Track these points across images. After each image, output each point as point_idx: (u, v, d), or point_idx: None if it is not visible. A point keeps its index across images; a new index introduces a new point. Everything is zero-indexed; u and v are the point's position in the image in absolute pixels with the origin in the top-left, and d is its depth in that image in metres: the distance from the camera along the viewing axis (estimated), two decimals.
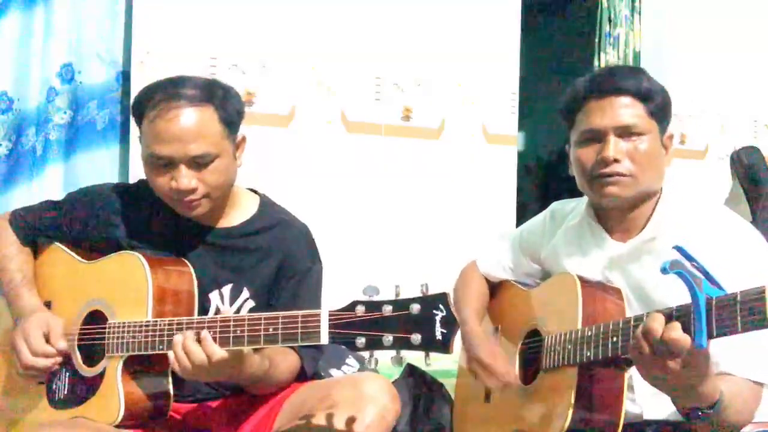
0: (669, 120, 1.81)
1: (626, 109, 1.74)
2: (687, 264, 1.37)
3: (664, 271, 1.36)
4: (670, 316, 1.42)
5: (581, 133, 1.79)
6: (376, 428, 1.75)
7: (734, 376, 1.60)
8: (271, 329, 1.61)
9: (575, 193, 1.95)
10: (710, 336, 1.35)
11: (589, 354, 1.66)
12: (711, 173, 4.76)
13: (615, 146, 1.73)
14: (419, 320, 1.46)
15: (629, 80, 1.76)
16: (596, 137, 1.76)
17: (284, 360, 1.87)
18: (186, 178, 1.79)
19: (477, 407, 2.10)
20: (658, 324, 1.42)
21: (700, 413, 1.49)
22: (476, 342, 1.97)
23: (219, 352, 1.64)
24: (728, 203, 4.48)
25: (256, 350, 1.72)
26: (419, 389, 2.80)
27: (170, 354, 1.68)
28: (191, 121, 1.79)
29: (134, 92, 1.95)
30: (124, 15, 3.38)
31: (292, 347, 1.86)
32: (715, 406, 1.48)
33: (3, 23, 3.24)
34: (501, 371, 1.89)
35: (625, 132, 1.74)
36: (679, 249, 1.40)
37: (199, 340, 1.65)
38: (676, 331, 1.39)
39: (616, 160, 1.73)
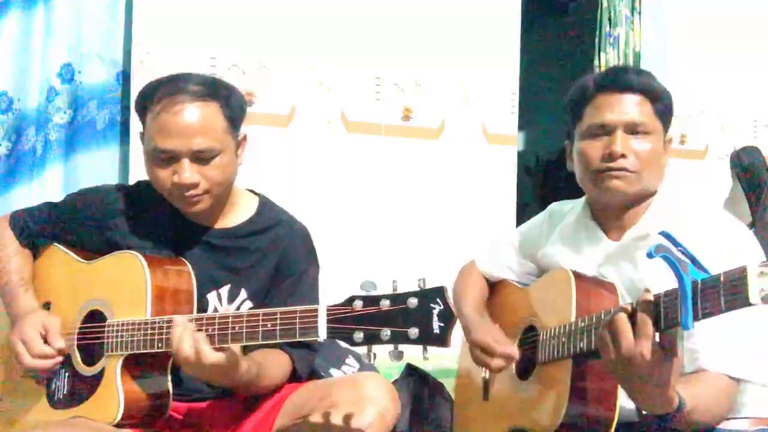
0: (670, 123, 1.83)
1: (636, 107, 1.77)
2: (673, 249, 1.38)
3: (650, 255, 1.38)
4: (657, 304, 1.42)
5: (589, 126, 1.80)
6: (375, 428, 1.75)
7: (706, 374, 1.62)
8: (269, 325, 1.61)
9: (575, 193, 1.96)
10: (696, 318, 1.36)
11: (582, 344, 1.66)
12: (711, 173, 4.75)
13: (623, 141, 1.75)
14: (417, 314, 1.46)
15: (639, 78, 1.78)
16: (605, 131, 1.78)
17: (275, 363, 1.87)
18: (188, 173, 1.80)
19: (476, 406, 2.10)
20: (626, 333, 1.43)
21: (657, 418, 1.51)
22: (474, 326, 1.96)
23: (212, 356, 1.63)
24: (728, 203, 4.49)
25: (243, 354, 1.72)
26: (419, 389, 2.80)
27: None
28: (195, 115, 1.80)
29: (134, 92, 1.95)
30: (124, 15, 3.37)
31: (283, 348, 1.86)
32: (669, 414, 1.48)
33: (3, 23, 3.24)
34: (502, 349, 1.86)
35: (633, 129, 1.76)
36: (665, 235, 1.42)
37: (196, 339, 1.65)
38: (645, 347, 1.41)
39: (623, 155, 1.75)
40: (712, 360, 1.63)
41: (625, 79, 1.79)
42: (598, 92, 1.80)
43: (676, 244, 1.40)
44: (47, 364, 1.84)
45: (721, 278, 1.33)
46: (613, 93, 1.78)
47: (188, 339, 1.64)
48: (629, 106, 1.77)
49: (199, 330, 1.67)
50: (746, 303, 1.29)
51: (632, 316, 1.45)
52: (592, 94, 1.81)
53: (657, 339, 1.43)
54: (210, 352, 1.63)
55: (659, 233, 1.43)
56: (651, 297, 1.43)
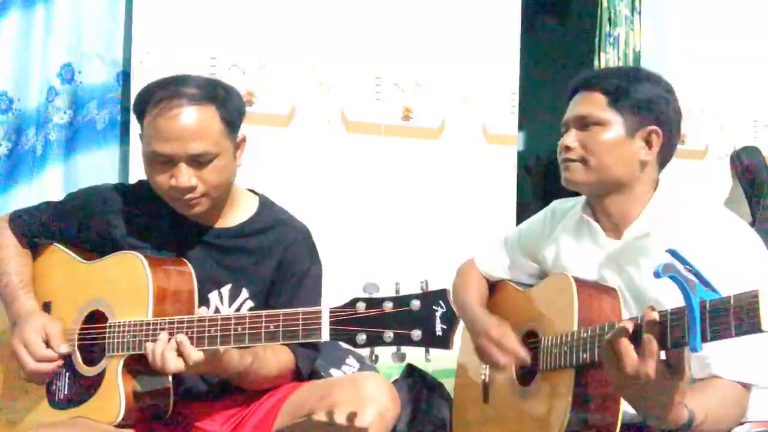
0: (649, 115, 1.81)
1: (585, 102, 1.84)
2: (680, 267, 1.37)
3: (657, 275, 1.36)
4: (663, 323, 1.41)
5: (560, 127, 1.91)
6: (375, 428, 1.76)
7: (717, 382, 1.61)
8: (272, 326, 1.62)
9: (575, 193, 1.96)
10: (704, 339, 1.34)
11: (585, 356, 1.66)
12: (711, 173, 4.75)
13: (569, 135, 1.85)
14: (419, 316, 1.47)
15: (601, 79, 1.86)
16: (565, 129, 1.88)
17: (274, 355, 1.87)
18: (185, 176, 1.80)
19: (475, 408, 2.10)
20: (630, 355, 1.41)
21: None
22: (483, 320, 1.98)
23: (195, 354, 1.66)
24: (728, 203, 4.49)
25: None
26: (419, 389, 2.79)
27: (148, 356, 1.70)
28: (192, 119, 1.80)
29: (134, 92, 1.96)
30: (124, 15, 3.37)
31: (288, 346, 1.86)
32: (679, 430, 1.47)
33: (3, 23, 3.23)
34: (511, 346, 1.88)
35: (583, 122, 1.83)
36: (672, 252, 1.39)
37: (177, 343, 1.68)
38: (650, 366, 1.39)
39: (567, 147, 1.84)
40: (725, 367, 1.62)
41: (587, 79, 1.87)
42: (570, 97, 1.90)
43: (683, 262, 1.37)
44: (50, 367, 1.85)
45: (732, 301, 1.31)
46: (573, 95, 1.88)
47: (170, 353, 1.67)
48: (581, 103, 1.85)
49: (200, 330, 1.68)
50: (758, 329, 1.27)
51: (636, 332, 1.43)
52: (567, 98, 1.91)
53: (663, 357, 1.40)
54: (194, 350, 1.67)
55: (666, 251, 1.40)
56: (656, 316, 1.40)
